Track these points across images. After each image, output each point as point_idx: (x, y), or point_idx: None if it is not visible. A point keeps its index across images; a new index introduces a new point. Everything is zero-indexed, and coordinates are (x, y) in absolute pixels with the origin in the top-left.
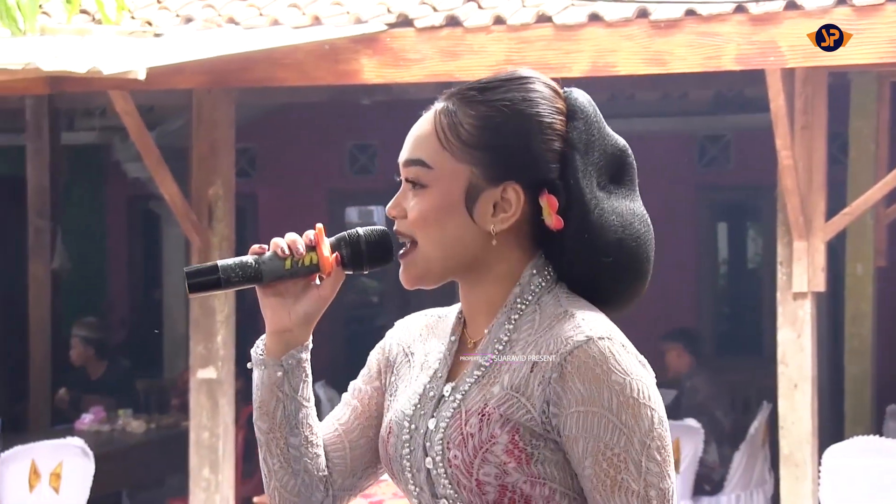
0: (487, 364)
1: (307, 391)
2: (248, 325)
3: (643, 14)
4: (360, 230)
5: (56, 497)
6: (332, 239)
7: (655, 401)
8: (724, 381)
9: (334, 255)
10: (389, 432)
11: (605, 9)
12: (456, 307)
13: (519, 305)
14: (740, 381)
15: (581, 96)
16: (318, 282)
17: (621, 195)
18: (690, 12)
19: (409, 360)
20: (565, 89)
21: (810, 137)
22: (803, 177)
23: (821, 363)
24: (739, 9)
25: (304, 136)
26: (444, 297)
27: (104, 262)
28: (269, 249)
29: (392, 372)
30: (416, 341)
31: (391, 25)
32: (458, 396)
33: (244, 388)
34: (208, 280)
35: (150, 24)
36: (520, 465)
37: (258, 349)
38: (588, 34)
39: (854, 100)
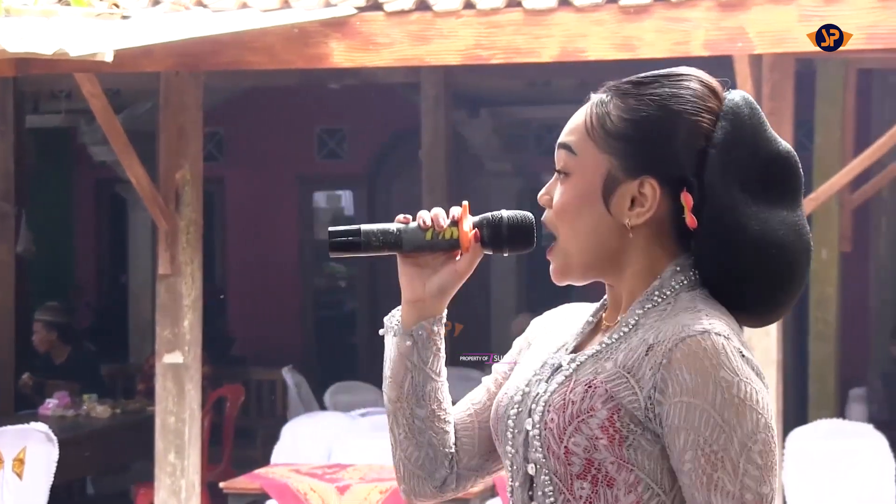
0: (610, 342)
1: (438, 365)
2: (214, 310)
3: None
4: (505, 213)
5: (19, 483)
6: (476, 218)
7: (763, 406)
8: None
9: (474, 231)
10: (505, 394)
11: None
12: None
13: (655, 297)
14: None
15: (738, 97)
16: (458, 258)
17: (773, 202)
18: None
19: (545, 341)
20: (728, 90)
21: (777, 123)
22: None
23: (786, 347)
24: None
25: (272, 120)
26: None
27: (70, 247)
28: (413, 220)
29: (528, 348)
30: (557, 327)
31: (361, 9)
32: (574, 366)
33: (210, 373)
34: (350, 241)
35: (117, 5)
36: (611, 445)
37: (394, 318)
38: (558, 19)
39: (820, 86)
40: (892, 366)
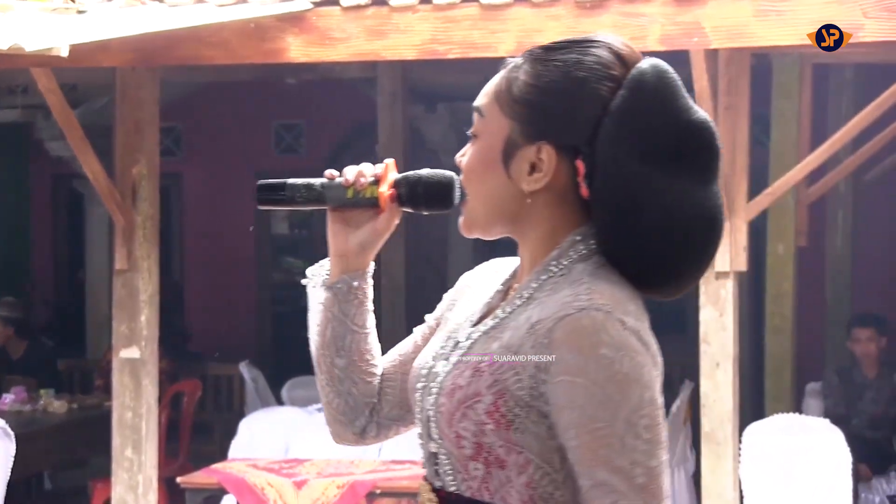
0: (503, 316)
1: (361, 318)
2: (173, 305)
3: None
4: (425, 171)
5: None
6: (399, 176)
7: (647, 380)
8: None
9: (391, 191)
10: (417, 366)
11: None
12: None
13: (552, 267)
14: (663, 360)
15: (646, 65)
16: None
17: (678, 174)
18: None
19: (466, 301)
20: (645, 59)
21: (734, 118)
22: (726, 157)
23: (742, 342)
24: None
25: (229, 116)
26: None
27: (27, 242)
28: (339, 176)
29: (451, 309)
30: (480, 284)
31: (317, 4)
32: (467, 344)
33: (168, 368)
34: (275, 196)
35: (73, 0)
36: (498, 429)
37: (322, 268)
38: (514, 14)
39: (776, 81)
40: (848, 361)
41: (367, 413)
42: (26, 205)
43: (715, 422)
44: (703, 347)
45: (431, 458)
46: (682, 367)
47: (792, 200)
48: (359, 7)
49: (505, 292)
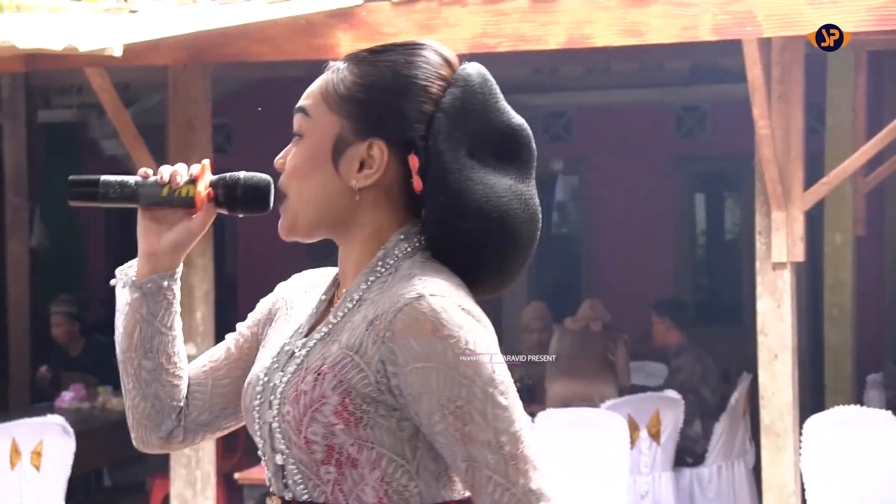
0: (336, 321)
1: (168, 319)
2: (227, 302)
3: None
4: (242, 174)
5: (37, 475)
6: (215, 177)
7: (493, 350)
8: (712, 358)
9: (208, 191)
10: (249, 383)
11: None
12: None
13: (379, 268)
14: (720, 353)
15: (472, 69)
16: (194, 217)
17: (502, 171)
18: None
19: (287, 315)
20: (465, 62)
21: (787, 107)
22: (781, 146)
23: (801, 333)
24: None
25: (280, 112)
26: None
27: (82, 240)
28: (154, 175)
29: (270, 325)
30: (299, 297)
31: None
32: (304, 353)
33: None
34: (88, 191)
35: (125, 0)
36: (347, 428)
37: (130, 269)
38: (564, 6)
39: (831, 69)
40: None
41: (173, 417)
42: None
43: (774, 414)
44: (760, 339)
45: (278, 472)
46: (739, 359)
47: (849, 189)
48: (408, 2)
49: (329, 301)
